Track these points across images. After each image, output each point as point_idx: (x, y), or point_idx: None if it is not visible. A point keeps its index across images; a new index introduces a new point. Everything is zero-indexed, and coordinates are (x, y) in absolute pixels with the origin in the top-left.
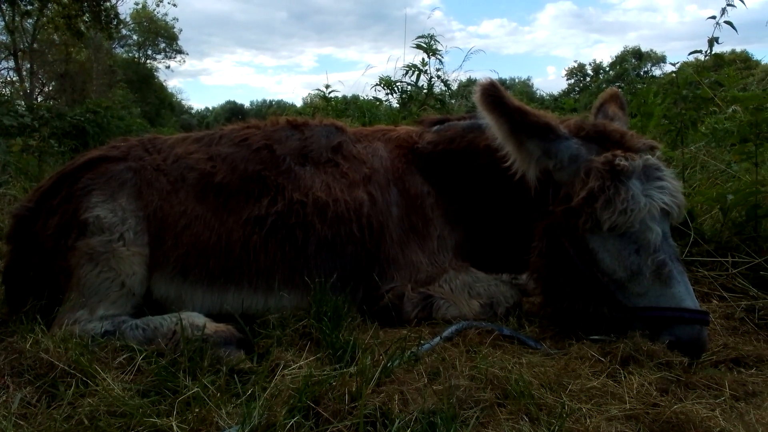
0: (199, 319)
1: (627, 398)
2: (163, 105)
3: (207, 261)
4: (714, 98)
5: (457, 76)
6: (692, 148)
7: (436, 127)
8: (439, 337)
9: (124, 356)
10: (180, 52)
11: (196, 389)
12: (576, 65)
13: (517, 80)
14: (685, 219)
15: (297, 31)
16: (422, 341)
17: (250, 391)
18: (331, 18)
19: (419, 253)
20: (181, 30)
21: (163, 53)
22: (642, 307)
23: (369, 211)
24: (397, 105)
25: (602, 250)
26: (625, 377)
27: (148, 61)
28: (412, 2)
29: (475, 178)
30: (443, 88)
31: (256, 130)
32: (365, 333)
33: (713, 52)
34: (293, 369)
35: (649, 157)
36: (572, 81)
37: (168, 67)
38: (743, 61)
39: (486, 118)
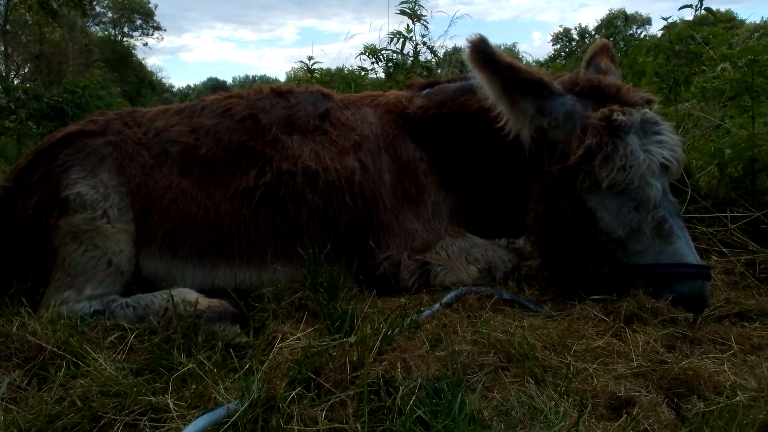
0: (191, 294)
1: (633, 356)
2: (143, 84)
3: (196, 236)
4: (709, 51)
5: (443, 43)
6: (685, 105)
7: (426, 91)
8: (438, 304)
9: (115, 335)
10: (157, 28)
11: (191, 365)
12: (561, 30)
13: (503, 47)
14: (682, 176)
15: (277, 3)
16: (422, 308)
17: (247, 366)
18: None
19: (414, 220)
20: (157, 5)
21: (140, 30)
22: (643, 265)
23: (361, 179)
24: (384, 75)
25: (601, 209)
26: (630, 335)
27: (125, 39)
28: None
29: (468, 141)
30: (430, 57)
31: (239, 100)
32: (363, 303)
33: (704, 6)
34: (291, 341)
35: (647, 110)
36: (558, 46)
37: (146, 45)
38: (728, 21)
39: (477, 77)
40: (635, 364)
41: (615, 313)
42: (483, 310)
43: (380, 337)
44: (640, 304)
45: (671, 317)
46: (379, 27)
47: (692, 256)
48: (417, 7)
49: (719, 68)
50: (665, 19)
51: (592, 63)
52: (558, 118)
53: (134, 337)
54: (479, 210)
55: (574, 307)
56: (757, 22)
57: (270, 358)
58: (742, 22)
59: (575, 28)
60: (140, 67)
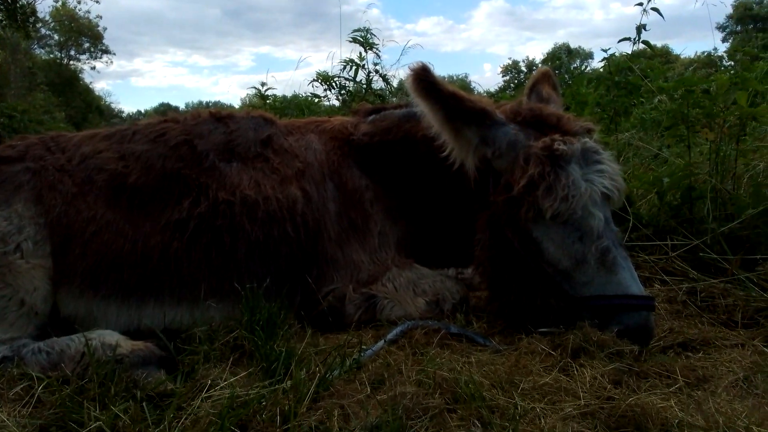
0: (111, 337)
1: (581, 393)
2: (90, 109)
3: (120, 272)
4: (646, 83)
5: (395, 72)
6: (625, 134)
7: (371, 117)
8: (383, 341)
9: (22, 386)
10: (106, 52)
11: (102, 421)
12: (510, 62)
13: (455, 77)
14: (624, 204)
15: (232, 30)
16: (364, 346)
17: (168, 419)
18: (266, 16)
19: (360, 251)
20: (106, 29)
21: (87, 53)
22: (589, 296)
23: (303, 208)
24: (338, 102)
25: (546, 240)
26: (577, 370)
27: (72, 62)
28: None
29: (414, 169)
30: (383, 85)
31: (174, 125)
32: (303, 341)
33: (642, 40)
34: (219, 389)
35: (587, 140)
36: (507, 77)
37: (93, 68)
38: (664, 56)
39: (420, 106)
40: (583, 402)
41: (562, 347)
42: (429, 346)
43: (315, 382)
44: (586, 336)
45: (617, 350)
46: (332, 55)
47: (636, 287)
48: (369, 36)
49: (656, 100)
50: (605, 51)
51: (534, 90)
52: (501, 147)
53: (43, 388)
54: (427, 239)
55: (521, 341)
56: (691, 56)
57: (191, 410)
58: (677, 56)
59: (523, 61)
60: (87, 91)
